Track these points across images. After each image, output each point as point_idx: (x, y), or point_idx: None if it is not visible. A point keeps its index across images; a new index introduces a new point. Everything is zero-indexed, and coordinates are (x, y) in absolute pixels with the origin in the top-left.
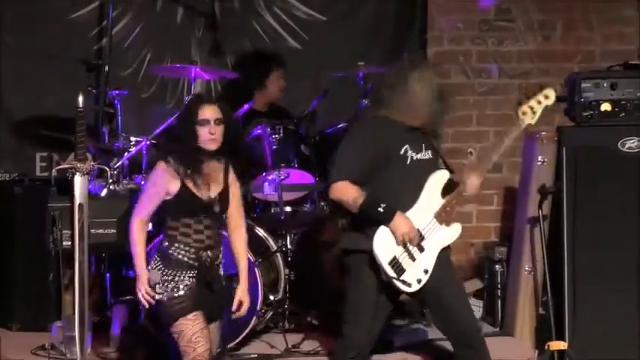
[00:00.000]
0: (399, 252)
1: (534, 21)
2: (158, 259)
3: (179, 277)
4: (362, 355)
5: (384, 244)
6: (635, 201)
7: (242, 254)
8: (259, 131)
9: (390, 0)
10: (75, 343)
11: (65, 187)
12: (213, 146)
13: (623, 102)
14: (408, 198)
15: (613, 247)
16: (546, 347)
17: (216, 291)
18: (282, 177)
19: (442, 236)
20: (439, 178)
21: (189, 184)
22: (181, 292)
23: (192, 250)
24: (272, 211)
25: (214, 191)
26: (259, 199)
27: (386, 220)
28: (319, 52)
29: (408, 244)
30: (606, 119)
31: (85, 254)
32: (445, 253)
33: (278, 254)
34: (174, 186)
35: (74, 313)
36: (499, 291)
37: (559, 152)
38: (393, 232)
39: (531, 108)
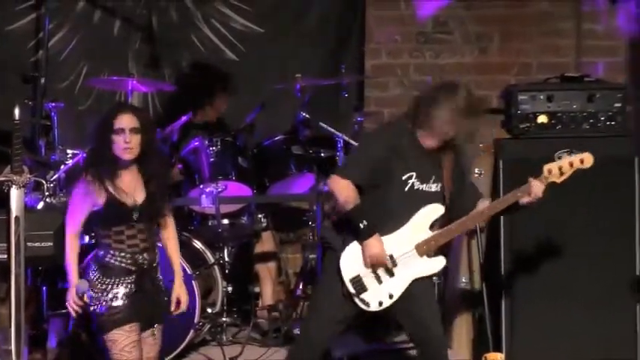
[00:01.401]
0: (364, 271)
1: (471, 33)
2: (95, 269)
3: (117, 285)
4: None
5: (351, 260)
6: (571, 213)
7: (173, 250)
8: (197, 143)
9: (328, 12)
10: (11, 356)
11: (1, 200)
12: (128, 156)
13: (559, 114)
14: (395, 223)
15: (549, 260)
16: (483, 359)
17: (155, 293)
18: (219, 189)
19: (419, 267)
20: (431, 212)
21: (115, 193)
22: (119, 302)
23: (128, 255)
24: (209, 223)
25: (139, 198)
26: (197, 211)
27: (362, 236)
28: (257, 64)
29: (376, 267)
30: (543, 131)
31: (22, 267)
32: (425, 282)
33: (215, 267)
34: (101, 196)
35: (10, 327)
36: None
37: (496, 164)
38: (362, 251)
39: (560, 168)
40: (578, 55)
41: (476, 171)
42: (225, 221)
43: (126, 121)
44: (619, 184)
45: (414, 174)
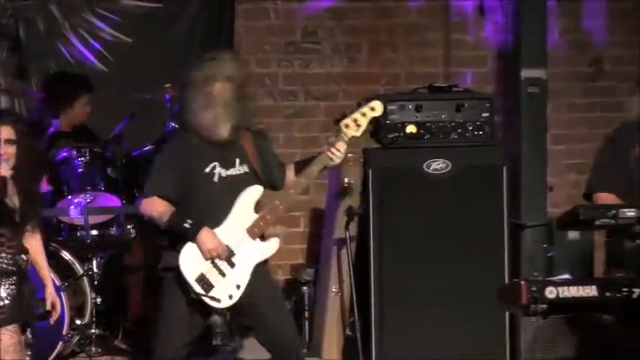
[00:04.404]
0: (206, 268)
1: (340, 43)
2: None
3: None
4: None
5: (190, 261)
6: (440, 221)
7: (42, 257)
8: (65, 154)
9: (197, 22)
10: None
11: None
12: (3, 165)
13: (428, 124)
14: (218, 215)
15: (420, 268)
16: None
17: (31, 297)
18: (88, 200)
19: (256, 251)
20: (252, 194)
21: None
22: (4, 302)
23: (9, 255)
24: (78, 234)
25: (16, 202)
26: (65, 222)
27: (192, 235)
28: (125, 74)
29: (217, 260)
30: (412, 141)
31: None
32: (264, 268)
33: (84, 278)
34: None
35: None
36: (306, 312)
37: (365, 174)
38: (199, 248)
39: (355, 120)
40: (446, 65)
41: (345, 180)
42: (94, 232)
43: (2, 132)
44: (488, 193)
45: (217, 163)
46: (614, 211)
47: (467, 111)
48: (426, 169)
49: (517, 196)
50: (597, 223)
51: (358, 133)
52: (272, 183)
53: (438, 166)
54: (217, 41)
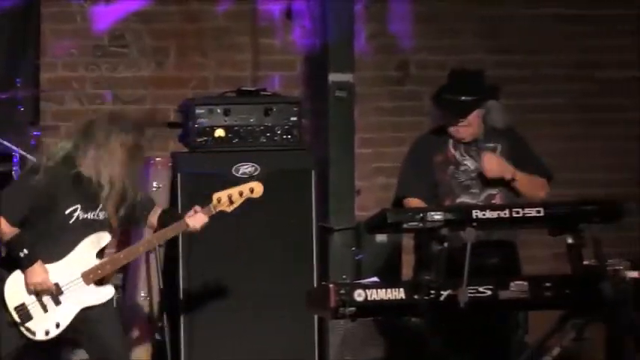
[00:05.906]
0: (30, 299)
1: (148, 47)
2: None
3: None
4: None
5: (15, 289)
6: (250, 225)
7: None
8: None
9: (1, 26)
10: None
11: None
12: None
13: (236, 128)
14: (61, 251)
15: (229, 271)
16: None
17: None
18: None
19: (86, 295)
20: (97, 240)
21: None
22: None
23: None
24: None
25: None
26: None
27: (23, 265)
28: None
29: (42, 295)
30: (220, 145)
31: None
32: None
33: None
34: None
35: None
36: None
37: (174, 178)
38: (25, 280)
39: (230, 196)
40: (254, 69)
41: (154, 184)
42: None
43: None
44: (297, 197)
45: (79, 206)
46: (421, 215)
47: (275, 115)
48: (234, 173)
49: (326, 199)
50: (405, 226)
51: (229, 210)
52: (134, 222)
53: (246, 170)
54: (23, 45)
